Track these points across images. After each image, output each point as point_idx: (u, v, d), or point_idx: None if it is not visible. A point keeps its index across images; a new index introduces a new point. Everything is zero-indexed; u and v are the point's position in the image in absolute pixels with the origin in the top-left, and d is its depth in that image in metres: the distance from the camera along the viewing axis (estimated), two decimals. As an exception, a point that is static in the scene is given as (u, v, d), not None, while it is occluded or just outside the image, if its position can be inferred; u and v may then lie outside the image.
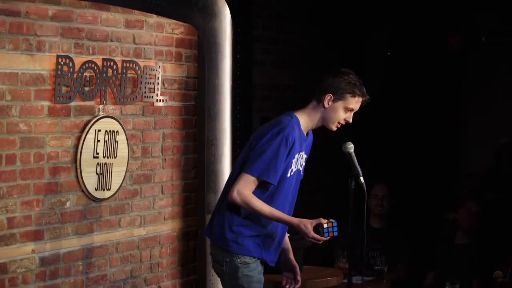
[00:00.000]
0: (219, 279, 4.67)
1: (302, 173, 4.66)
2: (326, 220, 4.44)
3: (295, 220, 4.47)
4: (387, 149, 8.20)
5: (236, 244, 4.47)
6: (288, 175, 4.49)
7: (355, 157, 4.63)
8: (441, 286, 6.33)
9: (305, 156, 4.64)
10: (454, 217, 6.93)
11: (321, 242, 4.48)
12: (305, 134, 4.60)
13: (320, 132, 7.93)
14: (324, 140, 7.70)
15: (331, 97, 4.53)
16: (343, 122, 4.58)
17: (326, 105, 4.54)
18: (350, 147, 4.64)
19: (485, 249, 6.62)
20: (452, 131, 8.42)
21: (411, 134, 8.30)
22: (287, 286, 4.80)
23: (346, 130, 7.60)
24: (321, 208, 7.76)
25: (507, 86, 8.10)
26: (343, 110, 4.54)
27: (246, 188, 4.40)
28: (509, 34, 7.91)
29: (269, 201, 4.46)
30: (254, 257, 4.53)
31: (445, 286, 6.14)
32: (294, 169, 4.53)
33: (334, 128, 4.60)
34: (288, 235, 5.92)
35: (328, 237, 4.46)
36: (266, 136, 4.45)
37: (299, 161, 4.57)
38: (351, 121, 4.58)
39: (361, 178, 4.59)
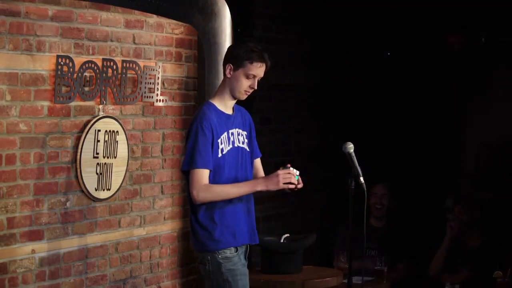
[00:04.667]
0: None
1: (248, 150, 4.68)
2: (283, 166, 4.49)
3: (259, 179, 4.55)
4: (387, 149, 8.20)
5: (212, 241, 4.51)
6: (219, 155, 4.52)
7: (355, 157, 4.63)
8: (441, 286, 6.35)
9: (244, 132, 4.67)
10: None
11: (292, 184, 4.46)
12: (230, 112, 4.62)
13: (320, 132, 7.94)
14: (324, 140, 7.73)
15: (231, 67, 4.56)
16: (248, 89, 4.58)
17: (228, 75, 4.58)
18: (350, 147, 4.64)
19: (486, 248, 6.63)
20: (452, 131, 8.43)
21: (411, 134, 8.30)
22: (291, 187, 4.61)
23: (346, 130, 7.64)
24: (321, 208, 7.77)
25: (507, 86, 8.11)
26: (245, 78, 4.55)
27: (199, 182, 4.44)
28: (509, 34, 7.91)
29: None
30: (234, 250, 4.53)
31: (445, 286, 6.14)
32: (228, 148, 4.56)
33: (242, 97, 4.61)
34: (287, 235, 5.93)
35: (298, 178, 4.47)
36: (186, 134, 4.57)
37: (232, 139, 4.59)
38: (256, 87, 4.58)
39: (361, 178, 4.60)
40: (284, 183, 4.46)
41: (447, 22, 8.13)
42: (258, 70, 4.56)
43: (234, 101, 4.65)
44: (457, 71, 8.40)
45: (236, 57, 4.56)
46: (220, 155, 4.53)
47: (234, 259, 4.53)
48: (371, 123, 8.25)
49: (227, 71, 4.58)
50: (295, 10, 7.57)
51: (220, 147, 4.54)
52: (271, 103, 7.29)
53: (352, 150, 4.64)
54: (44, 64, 5.13)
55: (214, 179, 4.51)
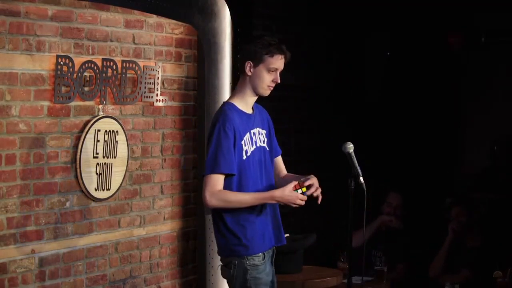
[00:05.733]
0: (219, 279, 4.68)
1: (268, 149, 4.63)
2: (297, 182, 4.45)
3: (276, 191, 4.45)
4: (387, 149, 8.20)
5: (242, 247, 4.45)
6: (244, 157, 4.47)
7: (354, 157, 4.63)
8: (441, 286, 6.35)
9: (263, 131, 4.62)
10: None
11: (305, 199, 4.45)
12: (250, 111, 4.58)
13: (320, 132, 7.94)
14: (324, 140, 7.73)
15: (251, 64, 4.52)
16: (271, 84, 4.55)
17: (249, 72, 4.52)
18: (350, 147, 4.63)
19: (486, 249, 6.64)
20: (452, 131, 8.43)
21: (411, 134, 8.30)
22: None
23: (346, 130, 7.64)
24: (321, 208, 7.76)
25: (507, 86, 8.11)
26: (267, 72, 4.52)
27: (214, 187, 4.38)
28: (509, 34, 7.91)
29: (239, 190, 4.44)
30: (262, 257, 4.49)
31: (445, 286, 6.14)
32: (252, 148, 4.51)
33: (266, 93, 4.57)
34: (287, 235, 5.92)
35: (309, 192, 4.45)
36: (208, 136, 4.50)
37: (255, 140, 4.55)
38: (279, 80, 4.55)
39: (361, 178, 4.58)
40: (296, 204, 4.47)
41: (447, 22, 8.13)
42: (279, 62, 4.53)
43: (255, 99, 4.60)
44: (457, 71, 8.40)
45: (254, 53, 4.50)
46: (244, 157, 4.47)
47: (260, 267, 4.48)
48: (371, 123, 8.25)
49: (247, 68, 4.51)
50: (295, 10, 7.56)
51: (244, 148, 4.48)
52: (271, 103, 7.28)
53: (352, 150, 4.63)
54: (44, 64, 5.13)
55: (240, 182, 4.45)
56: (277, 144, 4.74)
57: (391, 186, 7.17)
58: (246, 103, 4.56)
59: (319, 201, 4.52)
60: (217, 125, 4.43)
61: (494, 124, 8.08)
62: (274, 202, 4.46)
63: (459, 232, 6.69)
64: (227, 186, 4.42)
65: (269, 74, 4.52)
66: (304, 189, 4.44)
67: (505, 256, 6.33)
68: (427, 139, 8.31)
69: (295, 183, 4.45)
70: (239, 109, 4.53)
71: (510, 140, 7.92)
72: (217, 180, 4.39)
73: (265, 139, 4.63)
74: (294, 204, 4.45)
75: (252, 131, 4.54)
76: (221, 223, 4.48)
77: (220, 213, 4.47)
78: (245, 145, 4.48)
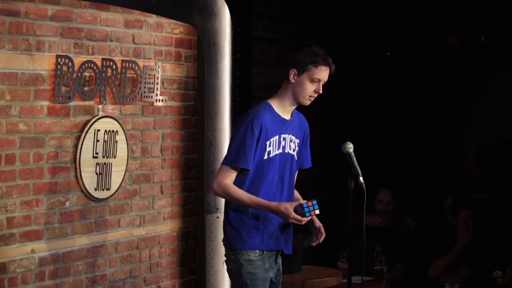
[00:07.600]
0: (219, 279, 4.69)
1: (296, 158, 4.63)
2: (306, 200, 4.44)
3: (273, 203, 4.45)
4: (387, 149, 8.20)
5: (239, 241, 4.48)
6: (265, 157, 4.47)
7: (354, 157, 4.63)
8: (440, 286, 6.35)
9: (296, 140, 4.62)
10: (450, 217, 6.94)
11: (303, 223, 4.46)
12: (287, 117, 4.57)
13: (320, 132, 7.94)
14: (324, 140, 7.72)
15: (295, 72, 4.52)
16: (313, 94, 4.54)
17: (292, 80, 4.53)
18: (350, 147, 4.63)
19: (484, 249, 6.63)
20: (452, 131, 8.42)
21: (411, 134, 8.30)
22: (313, 244, 4.74)
23: (346, 130, 7.64)
24: (320, 208, 7.75)
25: (507, 86, 8.11)
26: (310, 82, 4.51)
27: (224, 178, 4.43)
28: (509, 34, 7.91)
29: (251, 187, 4.46)
30: (259, 254, 4.50)
31: (445, 286, 6.14)
32: (276, 152, 4.51)
33: (307, 103, 4.57)
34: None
35: (310, 216, 4.45)
36: (235, 128, 4.53)
37: (283, 144, 4.55)
38: (321, 91, 4.54)
39: (361, 178, 4.58)
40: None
41: (447, 22, 8.13)
42: (323, 74, 4.51)
43: (294, 107, 4.60)
44: (457, 71, 8.40)
45: (300, 62, 4.50)
46: (266, 157, 4.48)
47: (257, 263, 4.50)
48: (371, 123, 8.25)
49: (291, 76, 4.51)
50: (295, 10, 7.56)
51: (268, 149, 4.48)
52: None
53: (351, 150, 4.63)
54: (43, 64, 5.13)
55: (254, 179, 4.47)
56: (307, 157, 4.74)
57: (382, 182, 7.15)
58: (284, 108, 4.57)
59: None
60: (245, 121, 4.47)
61: (494, 124, 8.08)
62: (269, 212, 4.46)
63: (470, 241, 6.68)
64: (240, 180, 4.46)
65: (311, 84, 4.51)
66: (308, 203, 4.44)
67: (505, 256, 6.32)
68: (427, 139, 8.31)
69: (302, 202, 4.45)
70: (275, 111, 4.54)
71: (499, 142, 7.94)
72: (229, 173, 4.44)
73: (297, 148, 4.64)
74: (288, 220, 4.45)
75: (283, 135, 4.55)
76: (225, 216, 4.54)
77: (226, 205, 4.53)
78: (269, 146, 4.49)
